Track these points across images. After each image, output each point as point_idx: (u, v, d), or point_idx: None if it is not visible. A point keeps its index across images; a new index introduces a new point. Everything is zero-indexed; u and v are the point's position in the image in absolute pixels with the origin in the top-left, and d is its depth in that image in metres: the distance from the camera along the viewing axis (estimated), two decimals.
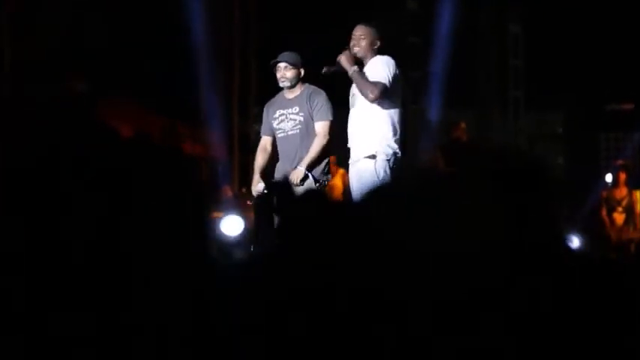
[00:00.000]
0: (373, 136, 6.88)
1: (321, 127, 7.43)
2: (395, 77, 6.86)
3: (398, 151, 6.88)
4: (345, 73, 6.97)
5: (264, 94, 8.10)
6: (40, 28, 11.17)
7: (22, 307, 1.99)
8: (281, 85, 7.51)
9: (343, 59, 6.81)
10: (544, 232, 2.14)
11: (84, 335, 1.97)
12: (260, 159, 7.72)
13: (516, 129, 15.70)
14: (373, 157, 6.82)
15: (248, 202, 8.56)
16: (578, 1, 14.41)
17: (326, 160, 7.56)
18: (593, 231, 12.90)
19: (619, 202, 12.83)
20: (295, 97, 7.51)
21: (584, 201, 13.18)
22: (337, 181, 11.32)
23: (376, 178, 6.71)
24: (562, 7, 14.36)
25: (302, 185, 7.27)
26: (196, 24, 12.18)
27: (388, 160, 6.81)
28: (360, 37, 6.92)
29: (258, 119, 7.99)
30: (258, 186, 7.57)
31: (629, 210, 12.82)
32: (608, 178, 13.64)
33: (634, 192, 12.85)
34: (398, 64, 6.95)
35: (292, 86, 7.51)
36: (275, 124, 7.57)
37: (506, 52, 15.69)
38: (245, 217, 10.53)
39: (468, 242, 2.02)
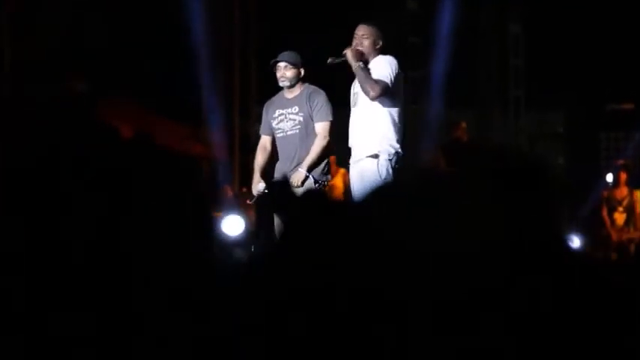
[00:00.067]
0: (375, 135, 6.88)
1: (322, 128, 7.43)
2: (397, 77, 6.87)
3: (400, 150, 6.88)
4: (349, 67, 6.97)
5: (265, 93, 8.10)
6: (40, 28, 11.17)
7: (22, 307, 1.99)
8: (281, 84, 7.51)
9: (349, 53, 6.81)
10: (544, 232, 2.14)
11: (84, 335, 1.97)
12: (260, 158, 7.71)
13: (517, 128, 15.68)
14: (376, 156, 6.82)
15: (248, 202, 8.55)
16: (578, 0, 14.40)
17: (326, 161, 7.57)
18: (594, 231, 12.90)
19: (620, 202, 12.83)
20: (295, 96, 7.51)
21: (584, 201, 13.18)
22: (338, 181, 11.31)
23: (379, 178, 6.71)
24: (562, 6, 14.35)
25: (302, 187, 7.28)
26: (196, 24, 12.18)
27: (390, 160, 6.82)
28: (363, 37, 6.92)
29: (259, 119, 7.99)
30: (258, 186, 7.57)
31: (630, 210, 12.82)
32: (609, 177, 13.63)
33: (635, 192, 12.85)
34: (401, 65, 6.96)
35: (292, 86, 7.50)
36: (274, 123, 7.57)
37: (507, 52, 15.67)
38: (246, 217, 10.53)
39: (469, 242, 2.02)
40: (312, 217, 2.14)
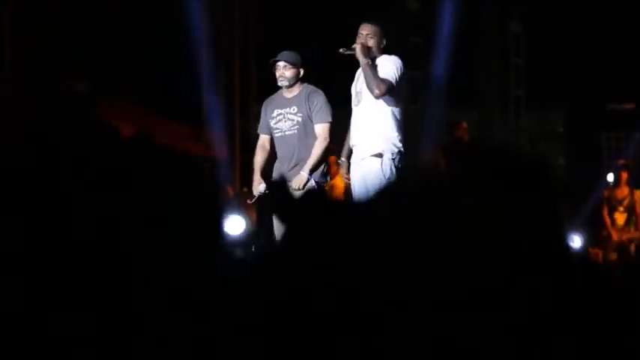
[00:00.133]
0: (379, 134, 6.89)
1: (322, 130, 7.42)
2: (401, 77, 6.88)
3: (402, 149, 6.89)
4: (356, 61, 6.98)
5: (265, 93, 8.09)
6: (40, 28, 11.17)
7: (22, 307, 1.99)
8: (279, 84, 7.50)
9: (359, 49, 6.82)
10: (544, 232, 2.14)
11: (84, 335, 1.97)
12: (259, 158, 7.70)
13: (517, 128, 15.69)
14: (380, 155, 6.82)
15: (248, 201, 8.55)
16: (579, 0, 14.40)
17: (325, 162, 7.57)
18: (595, 230, 12.89)
19: (620, 202, 12.82)
20: (294, 96, 7.50)
21: (585, 200, 13.17)
22: (338, 181, 11.30)
23: (382, 177, 6.71)
24: (563, 6, 14.35)
25: (304, 190, 7.26)
26: (196, 24, 12.17)
27: (393, 159, 6.82)
28: (368, 36, 6.93)
29: (259, 118, 7.98)
30: (259, 187, 7.56)
31: (631, 210, 12.81)
32: (610, 177, 13.63)
33: (635, 191, 12.84)
34: (405, 65, 6.98)
35: (291, 85, 7.50)
36: (272, 123, 7.56)
37: (508, 52, 15.68)
38: (246, 217, 10.53)
39: (469, 242, 2.02)
40: (313, 217, 2.14)
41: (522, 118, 15.79)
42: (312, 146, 7.41)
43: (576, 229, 12.33)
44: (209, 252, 2.12)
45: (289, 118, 7.50)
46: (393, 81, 6.80)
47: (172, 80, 11.90)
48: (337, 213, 2.16)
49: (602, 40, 14.27)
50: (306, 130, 7.46)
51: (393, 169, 6.82)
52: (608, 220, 12.88)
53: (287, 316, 1.97)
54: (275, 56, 7.59)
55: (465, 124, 12.18)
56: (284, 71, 7.51)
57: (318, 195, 2.82)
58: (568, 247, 2.27)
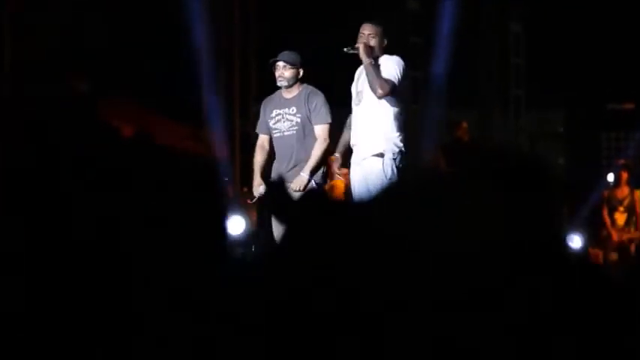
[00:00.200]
0: (381, 134, 6.90)
1: (321, 131, 7.43)
2: (404, 77, 6.90)
3: (403, 149, 6.90)
4: (359, 60, 6.99)
5: (265, 93, 8.10)
6: (40, 28, 11.17)
7: (22, 307, 1.99)
8: (279, 84, 7.51)
9: (362, 48, 6.83)
10: (543, 232, 2.14)
11: (84, 335, 1.97)
12: (259, 158, 7.71)
13: (517, 128, 15.67)
14: (381, 155, 6.83)
15: (249, 201, 8.56)
16: (579, 1, 14.40)
17: (324, 163, 7.59)
18: (595, 231, 12.90)
19: (620, 202, 12.83)
20: (293, 97, 7.50)
21: (585, 200, 13.17)
22: (338, 181, 11.30)
23: (384, 177, 6.73)
24: (563, 6, 14.35)
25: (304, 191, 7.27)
26: (196, 24, 12.18)
27: (395, 159, 6.84)
28: (370, 36, 6.94)
29: (258, 118, 7.98)
30: (260, 188, 7.57)
31: (631, 210, 12.82)
32: (610, 177, 13.63)
33: (635, 191, 12.85)
34: (407, 65, 6.99)
35: (290, 86, 7.50)
36: (271, 123, 7.56)
37: (508, 51, 15.67)
38: (246, 217, 10.52)
39: (469, 243, 2.02)
40: (314, 218, 2.14)
41: (522, 118, 15.77)
42: (310, 147, 7.41)
43: (576, 229, 12.33)
44: (212, 252, 2.12)
45: (288, 118, 7.51)
46: (396, 81, 6.82)
47: (172, 80, 11.90)
48: (337, 213, 2.16)
49: (602, 40, 14.27)
50: (305, 131, 7.47)
51: (395, 169, 6.83)
52: (608, 220, 12.88)
53: (287, 317, 1.97)
54: (275, 56, 7.60)
55: (465, 124, 12.18)
56: (283, 71, 7.52)
57: (318, 195, 2.82)
58: (567, 247, 2.27)
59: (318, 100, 7.46)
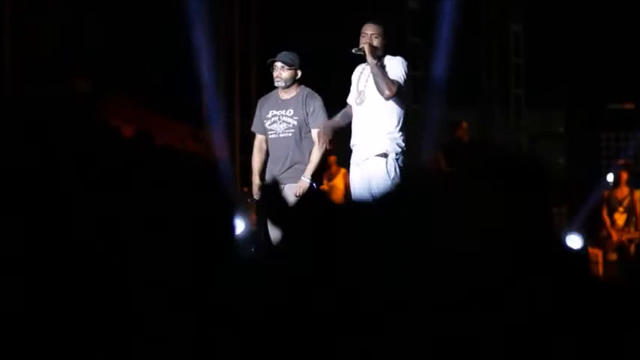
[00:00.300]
0: (383, 134, 6.90)
1: (318, 135, 7.43)
2: (407, 78, 6.92)
3: (405, 149, 6.91)
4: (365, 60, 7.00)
5: (265, 93, 8.10)
6: (40, 28, 11.16)
7: (22, 307, 1.99)
8: (276, 84, 7.50)
9: (367, 48, 6.84)
10: (542, 232, 2.14)
11: (84, 336, 1.97)
12: (257, 159, 7.70)
13: (517, 128, 15.67)
14: (384, 155, 6.84)
15: (249, 200, 8.56)
16: (579, 1, 14.40)
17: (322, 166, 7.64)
18: (594, 231, 12.90)
19: (620, 202, 12.84)
20: (290, 98, 7.49)
21: (585, 200, 13.17)
22: (339, 182, 11.31)
23: (387, 177, 6.74)
24: (563, 6, 14.35)
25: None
26: (196, 24, 12.17)
27: (397, 159, 6.85)
28: (372, 36, 6.96)
29: None
30: (259, 191, 7.58)
31: (630, 210, 12.83)
32: (610, 177, 13.63)
33: (635, 192, 12.85)
34: (409, 65, 7.01)
35: (287, 87, 7.50)
36: (267, 124, 7.56)
37: (508, 51, 15.66)
38: (247, 218, 10.52)
39: (469, 243, 2.02)
40: (315, 219, 2.14)
41: (522, 117, 15.76)
42: (306, 150, 7.41)
43: (576, 229, 12.33)
44: (218, 252, 2.12)
45: (285, 120, 7.50)
46: (402, 82, 6.84)
47: (172, 80, 11.90)
48: (338, 214, 2.16)
49: (602, 40, 14.27)
50: (301, 133, 7.46)
51: (397, 170, 6.84)
52: (607, 221, 12.89)
53: (287, 317, 1.97)
54: (274, 56, 7.60)
55: (465, 124, 12.18)
56: (281, 72, 7.51)
57: (318, 196, 2.83)
58: (565, 247, 2.27)
59: (316, 104, 7.46)
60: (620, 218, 12.98)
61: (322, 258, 2.04)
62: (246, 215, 10.50)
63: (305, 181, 7.33)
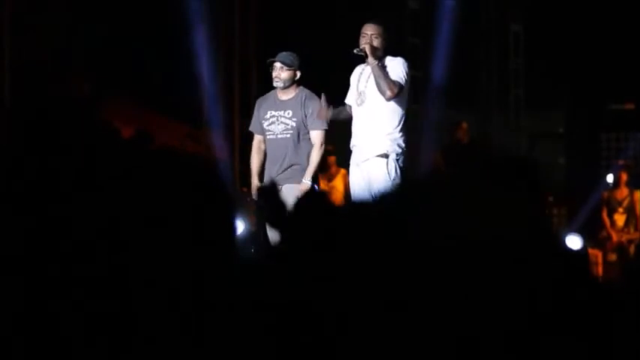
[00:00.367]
0: (384, 134, 6.91)
1: (318, 137, 7.43)
2: (408, 79, 6.94)
3: (405, 149, 6.92)
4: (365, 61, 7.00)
5: (264, 94, 8.09)
6: (40, 28, 11.16)
7: (22, 307, 1.99)
8: (274, 84, 7.50)
9: (369, 50, 6.85)
10: (540, 232, 2.14)
11: (84, 335, 1.97)
12: (256, 160, 7.71)
13: (517, 128, 15.66)
14: (385, 156, 6.85)
15: (248, 199, 8.56)
16: (578, 2, 14.40)
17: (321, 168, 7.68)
18: (594, 231, 12.89)
19: (620, 203, 12.83)
20: (289, 99, 7.49)
21: (585, 201, 13.17)
22: (338, 183, 11.29)
23: (387, 178, 6.75)
24: (563, 6, 14.35)
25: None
26: (196, 24, 12.17)
27: (398, 160, 6.86)
28: (373, 36, 6.97)
29: None
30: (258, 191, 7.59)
31: (630, 210, 12.82)
32: (610, 178, 13.62)
33: (635, 192, 12.85)
34: (409, 66, 7.03)
35: (286, 87, 7.49)
36: (265, 125, 7.56)
37: (508, 52, 15.65)
38: (247, 218, 10.51)
39: (468, 243, 2.02)
40: (316, 220, 2.14)
41: (522, 118, 15.75)
42: (303, 151, 7.41)
43: (576, 229, 12.33)
44: (219, 252, 2.12)
45: (283, 121, 7.50)
46: (403, 82, 6.85)
47: (172, 80, 11.89)
48: (338, 214, 2.17)
49: (602, 41, 14.26)
50: (299, 135, 7.47)
51: (398, 170, 6.85)
52: (607, 221, 12.89)
53: (287, 317, 1.97)
54: (274, 56, 7.59)
55: (465, 125, 12.18)
56: (280, 72, 7.51)
57: (319, 197, 2.82)
58: (566, 248, 2.27)
59: (315, 106, 7.46)
60: (620, 219, 12.97)
61: (322, 259, 2.04)
62: (246, 216, 10.49)
63: (306, 183, 7.34)
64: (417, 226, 2.06)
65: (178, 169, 2.16)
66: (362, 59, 7.07)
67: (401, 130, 7.01)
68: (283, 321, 1.97)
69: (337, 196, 10.94)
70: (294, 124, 7.47)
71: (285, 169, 7.46)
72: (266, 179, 7.54)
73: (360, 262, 2.01)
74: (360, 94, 7.15)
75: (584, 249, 11.69)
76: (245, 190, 10.64)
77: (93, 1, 11.80)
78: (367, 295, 1.97)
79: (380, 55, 7.00)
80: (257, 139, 7.82)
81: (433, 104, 13.04)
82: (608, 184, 13.59)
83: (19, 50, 10.89)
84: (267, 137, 7.63)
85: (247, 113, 14.01)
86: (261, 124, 7.67)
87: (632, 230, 12.93)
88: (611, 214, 13.02)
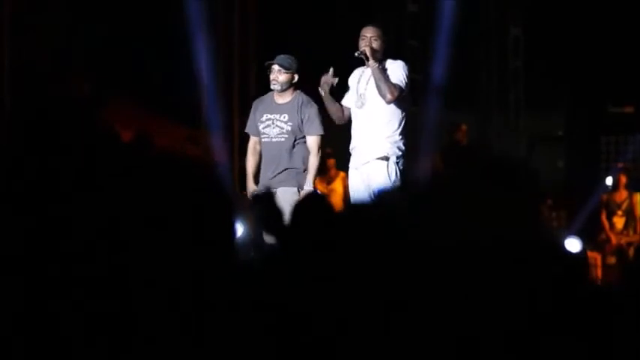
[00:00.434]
0: (384, 137, 6.92)
1: (314, 142, 7.42)
2: (408, 81, 6.94)
3: (405, 152, 6.93)
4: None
5: (263, 95, 8.09)
6: (40, 28, 11.15)
7: (21, 307, 1.99)
8: (272, 87, 7.49)
9: (369, 52, 6.85)
10: (537, 233, 2.14)
11: (84, 336, 1.97)
12: (251, 162, 7.70)
13: (517, 131, 15.66)
14: (385, 158, 6.85)
15: (245, 201, 8.56)
16: (578, 4, 14.40)
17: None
18: (593, 234, 12.89)
19: (619, 206, 12.83)
20: (286, 103, 7.48)
21: (584, 204, 13.17)
22: (337, 186, 11.29)
23: (388, 180, 6.75)
24: (563, 9, 14.35)
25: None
26: (196, 26, 12.17)
27: (397, 162, 6.86)
28: (372, 39, 6.97)
29: None
30: (254, 193, 7.60)
31: (629, 213, 12.82)
32: (609, 181, 13.62)
33: (634, 195, 12.85)
34: (409, 69, 7.03)
35: (283, 90, 7.48)
36: (261, 127, 7.56)
37: (507, 54, 15.65)
38: (245, 221, 10.49)
39: (467, 243, 2.02)
40: (317, 223, 2.15)
41: (522, 121, 15.75)
42: (298, 156, 7.41)
43: (575, 232, 12.33)
44: (219, 254, 2.12)
45: (278, 125, 7.49)
46: (403, 86, 6.86)
47: (171, 81, 11.89)
48: (338, 217, 2.17)
49: (602, 43, 14.26)
50: (294, 140, 7.46)
51: (398, 173, 6.85)
52: (606, 224, 12.89)
53: (287, 317, 1.97)
54: (273, 59, 7.59)
55: (464, 127, 12.19)
56: (278, 75, 7.51)
57: (319, 201, 2.83)
58: (565, 250, 2.28)
59: (312, 112, 7.46)
60: (619, 221, 12.98)
61: (322, 259, 2.04)
62: (245, 218, 10.48)
63: (308, 190, 7.35)
64: (416, 227, 2.06)
65: (178, 173, 2.16)
66: (362, 62, 7.08)
67: (401, 133, 7.02)
68: (283, 321, 1.97)
69: (336, 199, 10.93)
70: (289, 128, 7.47)
71: (280, 172, 7.46)
72: (261, 181, 7.55)
73: (360, 262, 2.01)
74: (360, 96, 7.16)
75: (583, 252, 11.70)
76: (245, 193, 10.64)
77: (93, 1, 11.80)
78: (367, 295, 1.97)
79: (380, 58, 7.01)
80: (253, 140, 7.82)
81: (432, 106, 13.04)
82: (607, 186, 13.59)
83: (19, 50, 10.89)
84: (263, 140, 7.63)
85: (246, 113, 14.01)
86: (256, 126, 7.67)
87: (631, 233, 12.93)
88: (610, 216, 13.02)
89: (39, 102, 2.31)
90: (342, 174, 11.05)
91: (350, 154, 7.22)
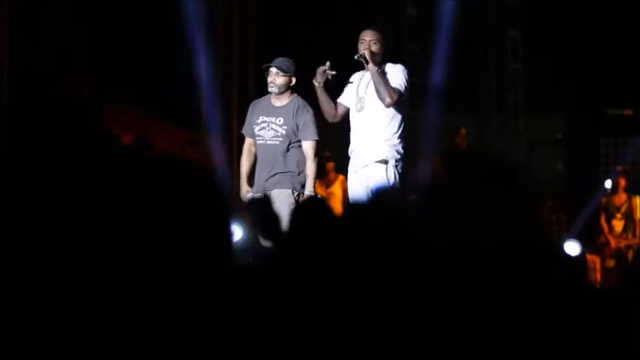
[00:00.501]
0: (384, 140, 6.92)
1: (310, 148, 7.42)
2: (407, 85, 6.95)
3: (404, 155, 6.94)
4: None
5: (262, 96, 8.09)
6: (40, 28, 11.16)
7: (21, 307, 1.99)
8: (269, 89, 7.50)
9: (369, 56, 6.86)
10: (535, 233, 2.15)
11: (84, 335, 1.97)
12: (246, 163, 7.70)
13: (516, 133, 15.66)
14: (384, 162, 6.85)
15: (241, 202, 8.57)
16: (577, 6, 14.41)
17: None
18: (592, 237, 12.89)
19: (618, 209, 12.83)
20: (282, 106, 7.48)
21: (583, 207, 13.17)
22: (336, 189, 11.29)
23: (387, 184, 6.75)
24: (561, 11, 14.36)
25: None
26: (195, 27, 12.17)
27: (396, 166, 6.87)
28: (371, 42, 6.98)
29: None
30: (247, 195, 7.60)
31: (628, 216, 12.82)
32: (608, 184, 13.62)
33: (633, 198, 12.85)
34: (408, 73, 7.04)
35: (280, 93, 7.48)
36: (256, 129, 7.56)
37: (506, 57, 15.66)
38: (244, 224, 10.49)
39: (466, 243, 2.03)
40: (317, 225, 2.15)
41: (521, 124, 15.75)
42: (292, 159, 7.41)
43: (574, 235, 12.33)
44: (216, 257, 2.13)
45: (273, 128, 7.49)
46: (403, 89, 6.87)
47: (171, 81, 11.89)
48: (337, 220, 2.17)
49: (601, 45, 14.27)
50: (289, 143, 7.47)
51: (397, 176, 6.85)
52: (605, 227, 12.89)
53: (286, 318, 1.97)
54: (271, 61, 7.59)
55: (463, 131, 12.19)
56: (275, 78, 7.51)
57: (318, 204, 2.83)
58: (563, 252, 2.28)
59: (307, 117, 7.46)
60: (618, 225, 12.98)
61: (322, 260, 2.04)
62: (243, 221, 10.47)
63: (309, 195, 7.35)
64: (416, 229, 2.06)
65: (177, 175, 2.16)
66: (361, 64, 7.08)
67: (400, 137, 7.02)
68: (283, 321, 1.97)
69: (336, 202, 10.93)
70: (283, 132, 7.47)
71: (274, 175, 7.47)
72: (256, 183, 7.57)
73: (361, 262, 2.01)
74: (359, 99, 7.16)
75: (582, 255, 11.70)
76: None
77: (93, 1, 11.81)
78: (367, 295, 1.98)
79: (379, 61, 7.01)
80: (248, 142, 7.83)
81: (432, 110, 13.04)
82: (606, 189, 13.60)
83: (19, 50, 10.89)
84: (258, 142, 7.64)
85: (245, 115, 14.00)
86: (252, 128, 7.68)
87: (630, 236, 12.93)
88: (609, 219, 13.03)
89: (39, 102, 2.31)
90: (341, 177, 11.05)
91: (349, 158, 7.22)
